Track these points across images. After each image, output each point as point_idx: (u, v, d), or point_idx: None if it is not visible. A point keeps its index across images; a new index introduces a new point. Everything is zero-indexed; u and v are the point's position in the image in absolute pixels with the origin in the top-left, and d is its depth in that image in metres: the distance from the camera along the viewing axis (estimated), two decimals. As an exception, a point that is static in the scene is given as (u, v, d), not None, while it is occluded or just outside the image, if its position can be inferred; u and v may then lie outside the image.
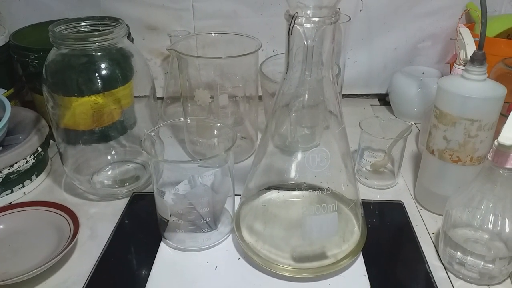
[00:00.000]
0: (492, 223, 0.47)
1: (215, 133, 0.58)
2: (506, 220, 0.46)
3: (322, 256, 0.50)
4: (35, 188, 0.67)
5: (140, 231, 0.58)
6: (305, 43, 0.44)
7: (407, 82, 0.84)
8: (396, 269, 0.52)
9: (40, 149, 0.67)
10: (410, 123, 0.64)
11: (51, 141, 0.72)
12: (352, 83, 0.91)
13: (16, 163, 0.63)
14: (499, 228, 0.47)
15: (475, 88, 0.52)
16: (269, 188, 0.54)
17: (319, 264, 0.49)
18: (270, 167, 0.52)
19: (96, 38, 0.56)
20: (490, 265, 0.48)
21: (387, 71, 0.90)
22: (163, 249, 0.54)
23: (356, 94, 0.95)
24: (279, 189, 0.53)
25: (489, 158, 0.45)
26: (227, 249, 0.54)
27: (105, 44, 0.57)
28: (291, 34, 0.43)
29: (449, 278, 0.51)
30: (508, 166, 0.44)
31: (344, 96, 0.92)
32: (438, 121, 0.55)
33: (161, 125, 0.56)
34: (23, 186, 0.65)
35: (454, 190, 0.51)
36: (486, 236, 0.48)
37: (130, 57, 0.62)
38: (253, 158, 0.54)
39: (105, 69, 0.59)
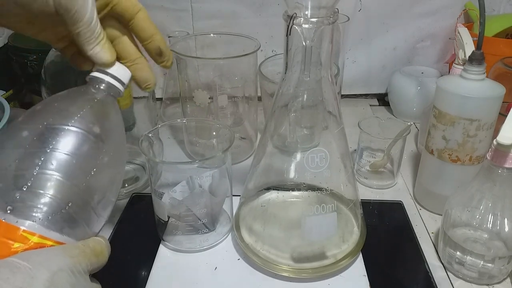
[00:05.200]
0: (491, 222, 0.47)
1: (214, 134, 0.58)
2: (506, 220, 0.46)
3: (321, 256, 0.50)
4: (35, 189, 0.67)
5: (140, 232, 0.58)
6: (304, 43, 0.44)
7: (406, 82, 0.84)
8: (396, 269, 0.52)
9: (39, 151, 0.66)
10: (409, 123, 0.64)
11: (50, 142, 0.72)
12: (351, 83, 0.91)
13: (15, 164, 0.62)
14: (498, 228, 0.47)
15: (474, 87, 0.52)
16: (268, 189, 0.54)
17: (318, 264, 0.49)
18: (269, 167, 0.52)
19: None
20: (490, 265, 0.48)
21: (386, 71, 0.90)
22: (162, 250, 0.54)
23: (355, 94, 0.95)
24: (278, 190, 0.53)
25: (488, 158, 0.45)
26: (226, 250, 0.54)
27: (103, 45, 0.57)
28: (290, 34, 0.43)
29: (449, 278, 0.51)
30: (507, 165, 0.44)
31: (343, 96, 0.92)
32: (437, 121, 0.55)
33: (159, 126, 0.55)
34: (23, 187, 0.65)
35: (453, 190, 0.51)
36: (486, 235, 0.48)
37: (129, 58, 0.61)
38: (252, 159, 0.54)
39: (104, 70, 0.58)
